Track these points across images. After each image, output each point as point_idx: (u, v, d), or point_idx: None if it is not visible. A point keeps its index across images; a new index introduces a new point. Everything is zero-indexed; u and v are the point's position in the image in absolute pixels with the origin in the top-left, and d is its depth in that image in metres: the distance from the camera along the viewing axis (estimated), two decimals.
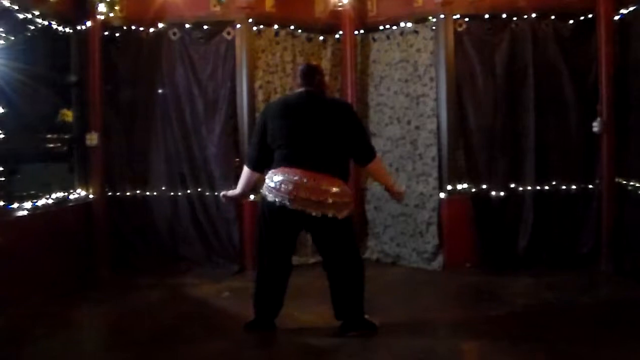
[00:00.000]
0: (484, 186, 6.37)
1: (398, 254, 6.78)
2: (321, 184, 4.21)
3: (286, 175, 4.24)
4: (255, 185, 4.99)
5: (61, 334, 4.72)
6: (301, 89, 4.48)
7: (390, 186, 4.74)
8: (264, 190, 4.35)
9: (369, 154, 4.52)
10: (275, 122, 4.38)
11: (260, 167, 4.61)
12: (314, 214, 4.22)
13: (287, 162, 4.29)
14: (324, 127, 4.33)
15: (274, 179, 4.28)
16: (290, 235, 4.47)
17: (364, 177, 6.79)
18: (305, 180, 4.20)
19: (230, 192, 4.87)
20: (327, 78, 4.77)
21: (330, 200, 4.22)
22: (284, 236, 4.43)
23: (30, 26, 5.66)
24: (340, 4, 6.76)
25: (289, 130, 4.33)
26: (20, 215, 5.34)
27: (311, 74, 4.50)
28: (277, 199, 4.24)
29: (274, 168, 4.35)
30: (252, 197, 6.25)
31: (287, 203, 4.21)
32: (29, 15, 5.61)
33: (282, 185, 4.22)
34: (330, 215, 4.24)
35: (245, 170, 4.67)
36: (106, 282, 6.20)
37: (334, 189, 4.25)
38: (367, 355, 4.14)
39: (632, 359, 3.99)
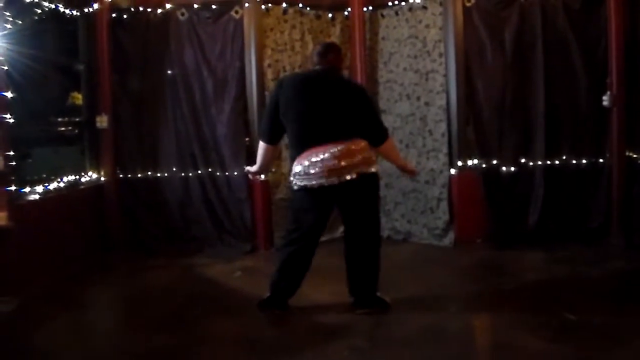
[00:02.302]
0: (494, 161, 6.35)
1: (409, 231, 6.80)
2: (344, 148, 4.17)
3: (311, 157, 4.19)
4: (272, 161, 5.02)
5: (74, 315, 4.76)
6: (317, 67, 4.49)
7: (403, 165, 4.77)
8: (295, 181, 4.31)
9: (383, 134, 4.52)
10: (289, 95, 4.34)
11: (274, 140, 4.60)
12: (347, 177, 4.17)
13: (306, 144, 4.24)
14: (338, 104, 4.31)
15: (299, 166, 4.24)
16: (326, 214, 4.47)
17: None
18: (328, 155, 4.14)
19: (252, 168, 4.83)
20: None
21: (358, 157, 4.21)
22: (320, 217, 4.42)
23: (37, 9, 5.64)
24: None
25: (303, 107, 4.30)
26: (33, 199, 5.37)
27: (325, 52, 4.50)
28: (309, 183, 4.21)
29: (295, 154, 4.30)
30: (262, 177, 6.27)
31: (322, 181, 4.17)
32: None
33: (311, 169, 4.17)
34: (361, 171, 4.23)
35: (261, 144, 4.64)
36: (118, 264, 6.24)
37: (357, 147, 4.24)
38: (379, 333, 4.17)
39: None
